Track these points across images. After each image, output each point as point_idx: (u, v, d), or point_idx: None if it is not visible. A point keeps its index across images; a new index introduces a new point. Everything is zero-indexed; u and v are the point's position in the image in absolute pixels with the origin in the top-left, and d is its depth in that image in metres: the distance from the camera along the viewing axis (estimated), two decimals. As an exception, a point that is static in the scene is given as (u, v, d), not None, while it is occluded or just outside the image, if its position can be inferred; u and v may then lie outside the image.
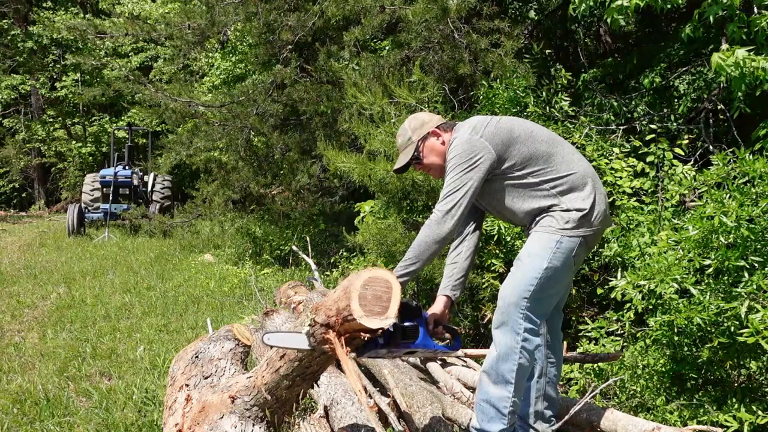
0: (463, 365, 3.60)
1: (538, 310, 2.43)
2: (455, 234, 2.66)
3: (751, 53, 3.48)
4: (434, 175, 2.76)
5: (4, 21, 21.04)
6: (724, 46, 3.63)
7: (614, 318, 3.75)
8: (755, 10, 3.96)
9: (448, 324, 2.67)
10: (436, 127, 2.63)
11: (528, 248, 2.48)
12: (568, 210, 2.45)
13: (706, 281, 3.00)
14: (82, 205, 13.82)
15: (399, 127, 2.78)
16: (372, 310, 2.12)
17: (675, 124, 5.67)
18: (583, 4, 4.42)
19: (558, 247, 2.42)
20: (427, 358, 3.68)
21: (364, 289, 2.13)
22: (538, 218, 2.51)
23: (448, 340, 2.68)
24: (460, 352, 3.56)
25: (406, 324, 2.43)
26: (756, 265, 2.77)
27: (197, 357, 3.13)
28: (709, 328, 2.97)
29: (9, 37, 20.98)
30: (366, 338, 2.27)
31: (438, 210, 2.43)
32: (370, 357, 2.56)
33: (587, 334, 3.90)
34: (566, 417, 2.53)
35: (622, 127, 5.01)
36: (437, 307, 2.66)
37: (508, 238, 4.36)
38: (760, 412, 2.81)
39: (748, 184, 2.96)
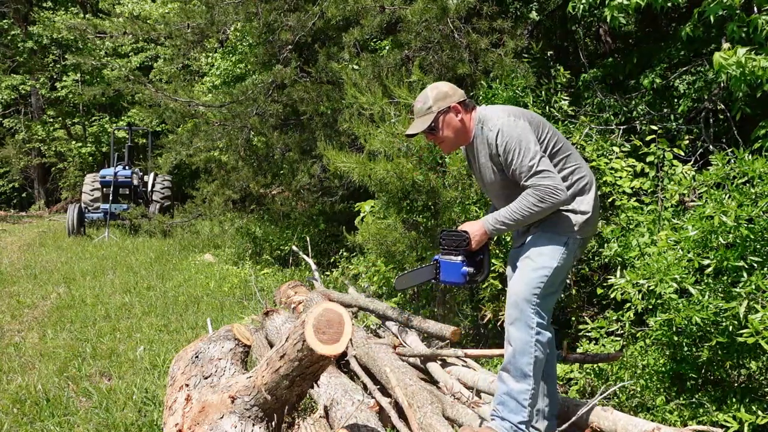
0: (463, 365, 3.60)
1: (545, 306, 2.53)
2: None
3: (752, 53, 3.48)
4: (444, 149, 2.81)
5: (4, 21, 21.05)
6: (726, 45, 3.63)
7: (614, 318, 3.75)
8: (755, 9, 3.95)
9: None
10: (458, 103, 2.66)
11: (538, 247, 2.56)
12: (574, 212, 2.56)
13: (706, 281, 3.01)
14: (82, 205, 13.81)
15: (417, 100, 2.80)
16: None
17: (675, 124, 5.67)
18: (582, 1, 4.42)
19: (566, 247, 2.54)
20: (426, 358, 3.69)
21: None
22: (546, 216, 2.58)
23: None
24: (460, 352, 3.56)
25: (482, 257, 2.68)
26: (755, 265, 2.77)
27: (197, 357, 3.13)
28: (708, 328, 2.97)
29: (9, 37, 20.98)
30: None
31: (547, 186, 2.44)
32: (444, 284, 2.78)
33: (587, 334, 3.90)
34: (569, 422, 2.55)
35: (622, 127, 5.01)
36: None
37: (508, 239, 4.36)
38: (760, 412, 2.81)
39: (747, 184, 2.96)
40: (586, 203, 2.58)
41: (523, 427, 2.48)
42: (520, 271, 2.58)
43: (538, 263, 2.52)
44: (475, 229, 2.62)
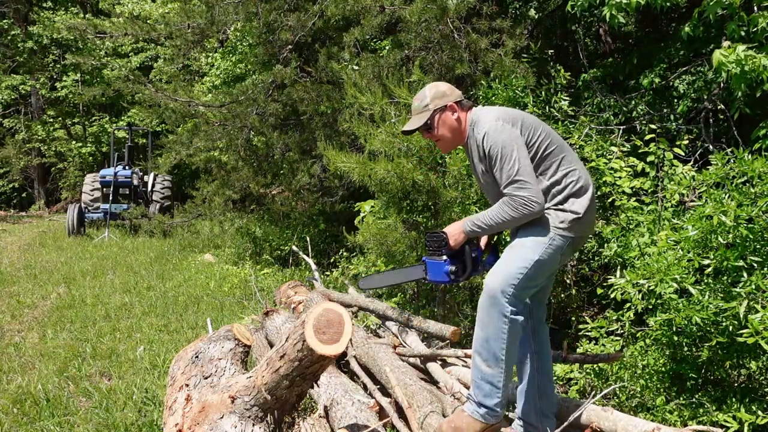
0: (463, 365, 3.60)
1: (521, 296, 2.55)
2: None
3: (752, 50, 3.49)
4: (441, 147, 2.82)
5: (4, 21, 21.05)
6: (726, 43, 3.63)
7: (614, 318, 3.75)
8: (755, 9, 3.95)
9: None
10: (455, 103, 2.68)
11: (522, 239, 2.58)
12: (564, 210, 2.56)
13: (706, 281, 3.01)
14: (82, 205, 13.82)
15: (414, 99, 2.81)
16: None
17: (675, 124, 5.67)
18: (581, 0, 4.43)
19: (551, 243, 2.54)
20: (426, 358, 3.69)
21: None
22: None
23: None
24: (460, 352, 3.56)
25: (472, 256, 2.73)
26: (755, 265, 2.77)
27: (197, 357, 3.13)
28: (708, 328, 2.97)
29: (9, 37, 20.98)
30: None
31: (522, 197, 2.48)
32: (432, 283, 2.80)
33: (587, 334, 3.90)
34: (566, 423, 2.55)
35: (621, 127, 5.01)
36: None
37: (508, 238, 4.36)
38: (760, 412, 2.81)
39: (747, 184, 2.96)
40: (578, 205, 2.56)
41: (498, 409, 2.54)
42: (500, 261, 2.60)
43: (519, 255, 2.54)
44: (453, 229, 2.69)
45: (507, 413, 2.90)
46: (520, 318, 2.54)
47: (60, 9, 22.60)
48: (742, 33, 3.74)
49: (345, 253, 7.14)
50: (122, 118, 21.48)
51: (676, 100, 6.11)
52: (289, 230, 8.87)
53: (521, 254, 2.53)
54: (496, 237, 2.95)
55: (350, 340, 2.49)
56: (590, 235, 2.69)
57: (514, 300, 2.51)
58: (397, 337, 4.10)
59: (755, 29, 3.65)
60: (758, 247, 2.81)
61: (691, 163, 4.31)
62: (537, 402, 2.71)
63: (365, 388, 3.41)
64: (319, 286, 5.79)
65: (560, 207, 2.56)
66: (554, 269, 2.69)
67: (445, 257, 2.72)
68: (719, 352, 3.11)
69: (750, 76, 3.46)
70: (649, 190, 4.15)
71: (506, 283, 2.50)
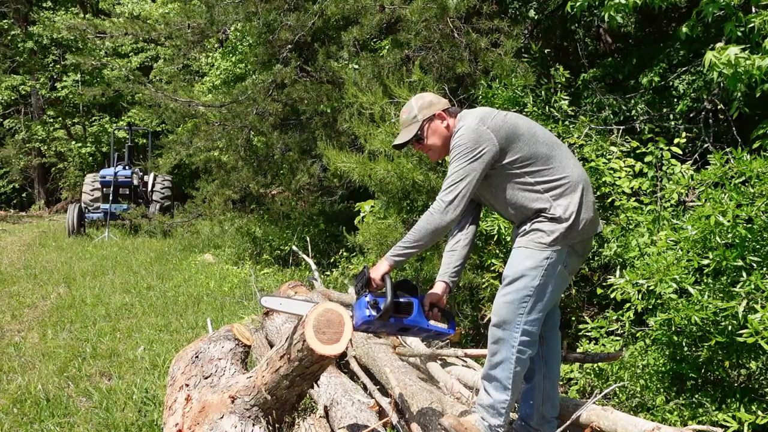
0: (463, 365, 3.60)
1: (533, 323, 2.51)
2: (456, 223, 2.69)
3: (746, 52, 3.47)
4: (431, 157, 2.79)
5: (4, 21, 21.05)
6: (719, 44, 3.62)
7: (614, 318, 3.75)
8: (753, 9, 3.95)
9: (445, 308, 2.73)
10: (443, 111, 2.66)
11: (518, 265, 2.51)
12: (553, 219, 2.48)
13: (705, 281, 3.01)
14: (82, 205, 13.82)
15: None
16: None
17: (674, 123, 5.67)
18: (579, 1, 4.42)
19: (547, 263, 2.48)
20: (426, 358, 3.69)
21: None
22: (526, 225, 2.54)
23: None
24: (460, 352, 3.56)
25: (401, 299, 2.53)
26: (754, 264, 2.77)
27: (197, 357, 3.13)
28: (708, 328, 2.97)
29: (9, 37, 20.99)
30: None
31: (441, 200, 2.46)
32: (362, 330, 2.58)
33: (587, 333, 3.90)
34: (567, 423, 2.55)
35: (621, 127, 5.00)
36: (435, 290, 2.73)
37: (508, 238, 4.36)
38: (759, 412, 2.81)
39: (746, 184, 2.96)
40: (567, 207, 2.47)
41: (500, 430, 2.55)
42: (501, 293, 2.54)
43: (520, 283, 2.48)
44: (378, 263, 2.58)
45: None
46: (529, 351, 2.52)
47: (60, 9, 22.62)
48: (740, 33, 3.73)
49: (345, 253, 7.14)
50: (122, 118, 21.49)
51: (675, 100, 6.11)
52: (289, 230, 8.87)
53: (521, 283, 2.48)
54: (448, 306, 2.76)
55: (350, 340, 2.49)
56: (594, 234, 2.61)
57: (526, 329, 2.48)
58: (397, 337, 4.10)
59: (752, 26, 3.64)
60: (757, 246, 2.81)
61: (691, 162, 4.31)
62: (540, 406, 2.70)
63: (365, 388, 3.42)
64: (319, 286, 5.80)
65: (550, 215, 2.47)
66: (565, 283, 2.63)
67: (368, 294, 2.48)
68: (719, 351, 3.11)
69: (744, 78, 3.45)
70: (648, 190, 4.14)
71: (514, 315, 2.47)
